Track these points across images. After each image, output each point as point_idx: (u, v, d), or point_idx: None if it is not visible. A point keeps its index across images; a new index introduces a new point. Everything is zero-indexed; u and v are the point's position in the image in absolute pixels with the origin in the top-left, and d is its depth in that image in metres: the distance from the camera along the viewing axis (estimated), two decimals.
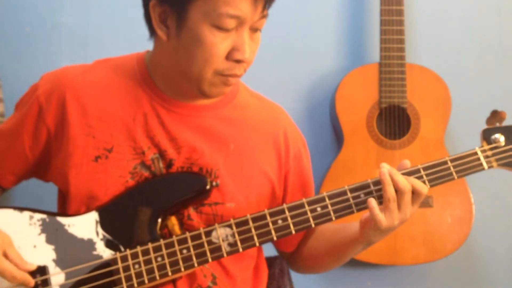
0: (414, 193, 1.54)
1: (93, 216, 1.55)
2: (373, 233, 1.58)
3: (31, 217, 1.55)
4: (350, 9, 2.68)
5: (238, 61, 1.52)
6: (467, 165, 1.61)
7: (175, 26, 1.51)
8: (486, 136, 1.64)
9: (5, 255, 1.47)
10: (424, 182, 1.58)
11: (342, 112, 2.51)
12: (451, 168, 1.60)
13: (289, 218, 1.55)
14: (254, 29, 1.54)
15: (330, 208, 1.57)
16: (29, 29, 2.50)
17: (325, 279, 2.69)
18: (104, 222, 1.54)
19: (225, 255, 1.52)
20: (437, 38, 2.71)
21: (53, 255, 1.52)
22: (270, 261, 1.88)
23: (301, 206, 1.57)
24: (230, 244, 1.53)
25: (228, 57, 1.51)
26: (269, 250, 1.91)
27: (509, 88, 2.71)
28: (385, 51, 2.49)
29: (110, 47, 2.49)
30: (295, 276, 1.92)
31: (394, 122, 2.53)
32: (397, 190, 1.52)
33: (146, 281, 1.50)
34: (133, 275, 1.50)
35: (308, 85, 2.67)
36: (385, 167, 1.54)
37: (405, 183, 1.52)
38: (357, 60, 2.66)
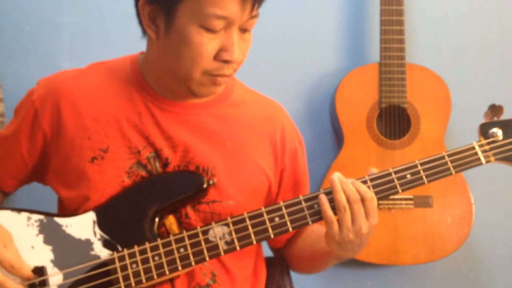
0: (364, 202, 1.51)
1: (91, 216, 1.55)
2: (337, 248, 1.56)
3: (28, 218, 1.55)
4: (350, 9, 2.68)
5: (226, 62, 1.51)
6: (465, 160, 1.60)
7: (164, 25, 1.51)
8: (484, 130, 1.63)
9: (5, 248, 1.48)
10: (421, 177, 1.58)
11: (342, 112, 2.51)
12: (449, 163, 1.59)
13: (286, 216, 1.55)
14: (244, 30, 1.53)
15: None
16: (29, 29, 2.50)
17: (325, 279, 2.69)
18: (101, 222, 1.54)
19: (222, 253, 1.52)
20: (437, 38, 2.71)
21: (51, 256, 1.52)
22: (270, 261, 1.88)
23: (298, 203, 1.56)
24: (227, 243, 1.53)
25: (217, 57, 1.50)
26: (269, 250, 1.91)
27: (509, 88, 2.70)
28: (385, 51, 2.49)
29: (110, 47, 2.49)
30: (295, 276, 1.92)
31: (394, 122, 2.53)
32: (347, 200, 1.51)
33: (144, 280, 1.50)
34: (131, 275, 1.50)
35: (308, 85, 2.67)
36: (335, 175, 1.53)
37: (352, 191, 1.50)
38: (357, 60, 2.65)
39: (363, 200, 1.51)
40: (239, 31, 1.51)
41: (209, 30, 1.47)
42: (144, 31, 1.61)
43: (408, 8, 2.62)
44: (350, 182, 1.53)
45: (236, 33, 1.50)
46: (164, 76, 1.61)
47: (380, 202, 2.39)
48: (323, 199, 1.52)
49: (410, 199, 2.46)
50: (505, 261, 2.73)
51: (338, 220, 1.52)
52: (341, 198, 1.50)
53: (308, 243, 1.77)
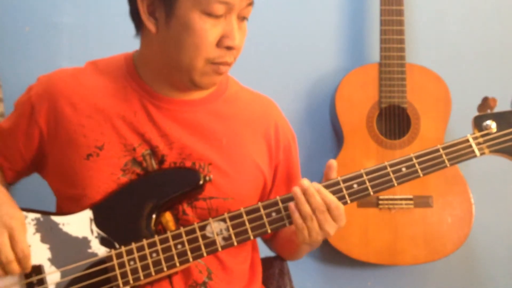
0: (330, 211, 1.54)
1: (87, 214, 1.55)
2: (307, 245, 1.63)
3: (25, 217, 1.55)
4: (350, 9, 2.68)
5: (228, 48, 1.53)
6: (459, 153, 1.62)
7: (164, 16, 1.53)
8: (478, 123, 1.65)
9: (11, 237, 1.48)
10: (416, 170, 1.59)
11: (342, 112, 2.51)
12: (443, 155, 1.60)
13: (282, 210, 1.56)
14: (242, 18, 1.56)
15: None
16: (29, 29, 2.50)
17: (325, 279, 2.69)
18: (98, 220, 1.55)
19: (220, 249, 1.53)
20: (437, 38, 2.71)
21: (48, 254, 1.53)
22: (270, 261, 1.88)
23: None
24: (224, 238, 1.53)
25: (219, 44, 1.53)
26: (269, 250, 1.91)
27: (509, 88, 2.70)
28: (385, 51, 2.49)
29: (110, 47, 2.47)
30: (295, 276, 1.92)
31: (394, 122, 2.53)
32: (314, 211, 1.53)
33: (142, 277, 1.50)
34: (129, 272, 1.50)
35: (308, 85, 2.67)
36: (303, 184, 1.55)
37: (317, 203, 1.53)
38: (357, 60, 2.66)
39: (329, 209, 1.53)
40: (237, 19, 1.54)
41: (211, 15, 1.49)
42: (138, 29, 1.63)
43: (408, 8, 2.62)
44: (316, 190, 1.54)
45: (235, 20, 1.53)
46: (162, 71, 1.62)
47: (380, 202, 2.41)
48: (293, 207, 1.54)
49: (410, 199, 2.46)
50: (505, 261, 2.73)
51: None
52: (305, 209, 1.53)
53: (288, 234, 1.78)
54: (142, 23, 1.59)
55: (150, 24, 1.56)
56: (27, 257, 1.49)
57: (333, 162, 1.61)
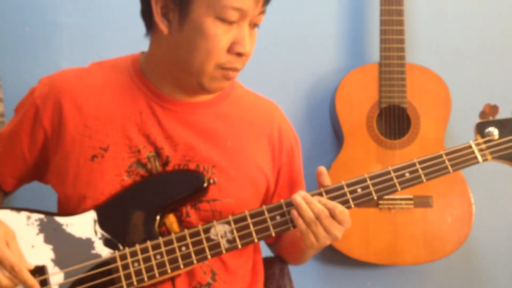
0: (335, 216, 1.55)
1: (91, 215, 1.55)
2: (314, 249, 1.63)
3: (28, 217, 1.55)
4: (350, 9, 2.68)
5: (239, 54, 1.54)
6: (462, 158, 1.64)
7: (177, 19, 1.53)
8: (480, 129, 1.67)
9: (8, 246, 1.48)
10: (420, 176, 1.61)
11: (342, 112, 2.51)
12: (446, 161, 1.63)
13: (286, 214, 1.57)
14: (253, 25, 1.57)
15: None
16: (29, 29, 2.50)
17: (325, 279, 2.69)
18: (102, 221, 1.54)
19: (224, 251, 1.53)
20: (437, 38, 2.71)
21: (51, 255, 1.53)
22: (270, 261, 1.88)
23: None
24: (228, 241, 1.54)
25: (230, 50, 1.54)
26: (268, 250, 1.91)
27: (509, 88, 2.71)
28: (385, 51, 2.50)
29: (110, 47, 2.49)
30: (295, 276, 1.92)
31: (394, 122, 2.53)
32: (317, 217, 1.54)
33: (146, 279, 1.50)
34: (132, 273, 1.50)
35: (308, 85, 2.67)
36: (299, 194, 1.56)
37: (319, 208, 1.54)
38: (357, 60, 2.66)
39: (333, 215, 1.54)
40: (248, 27, 1.55)
41: (225, 21, 1.50)
42: (148, 29, 1.63)
43: (408, 8, 2.62)
44: (317, 200, 1.55)
45: (247, 27, 1.54)
46: (170, 73, 1.62)
47: (380, 202, 2.42)
48: (295, 214, 1.54)
49: (410, 199, 2.46)
50: (505, 261, 2.73)
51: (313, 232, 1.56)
52: (308, 215, 1.53)
53: (292, 237, 1.77)
54: (153, 24, 1.60)
55: (162, 26, 1.56)
56: (20, 271, 1.46)
57: (323, 169, 1.60)
